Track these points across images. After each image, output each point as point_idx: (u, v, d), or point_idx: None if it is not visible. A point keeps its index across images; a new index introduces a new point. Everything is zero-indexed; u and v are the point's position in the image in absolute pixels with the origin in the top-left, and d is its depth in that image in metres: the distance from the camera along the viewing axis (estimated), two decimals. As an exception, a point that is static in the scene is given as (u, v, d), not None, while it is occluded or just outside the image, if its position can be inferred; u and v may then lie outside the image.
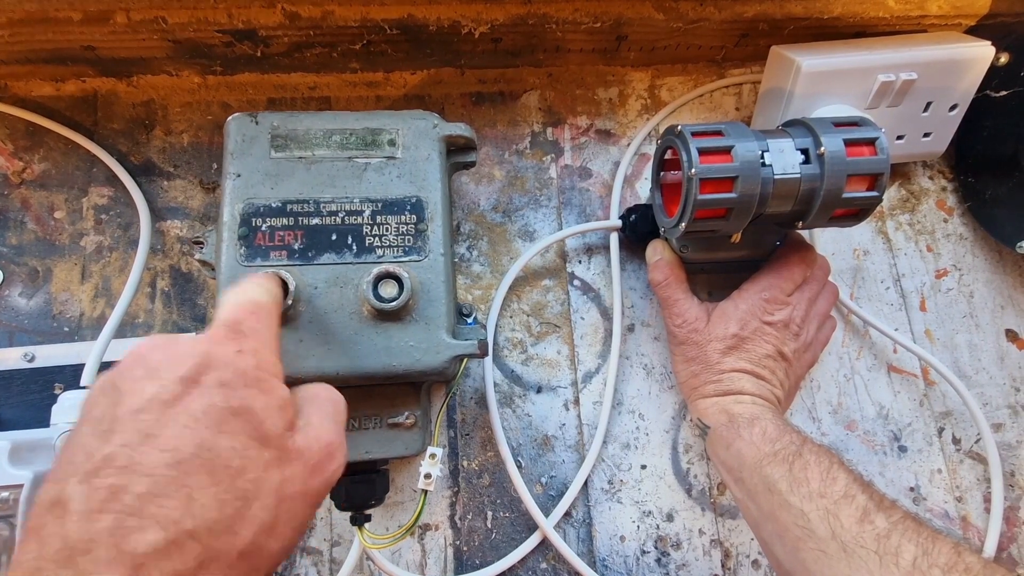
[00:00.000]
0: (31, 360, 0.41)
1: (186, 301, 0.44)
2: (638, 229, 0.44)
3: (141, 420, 0.19)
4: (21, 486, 0.32)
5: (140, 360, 0.21)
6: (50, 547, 0.17)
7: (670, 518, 0.42)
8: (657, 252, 0.42)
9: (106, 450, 0.18)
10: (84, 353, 0.38)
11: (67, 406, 0.36)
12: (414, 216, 0.34)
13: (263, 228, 0.33)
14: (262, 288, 0.26)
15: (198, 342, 0.22)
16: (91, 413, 0.20)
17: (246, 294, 0.25)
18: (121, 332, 0.42)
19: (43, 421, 0.36)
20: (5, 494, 0.32)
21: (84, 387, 0.37)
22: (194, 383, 0.20)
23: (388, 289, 0.32)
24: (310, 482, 0.22)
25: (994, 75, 0.44)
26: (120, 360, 0.21)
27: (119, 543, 0.17)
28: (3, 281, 0.43)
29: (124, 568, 0.16)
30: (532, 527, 0.41)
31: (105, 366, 0.39)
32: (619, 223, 0.45)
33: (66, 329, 0.43)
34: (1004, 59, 0.44)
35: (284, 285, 0.30)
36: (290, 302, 0.30)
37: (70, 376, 0.40)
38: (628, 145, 0.49)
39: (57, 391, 0.40)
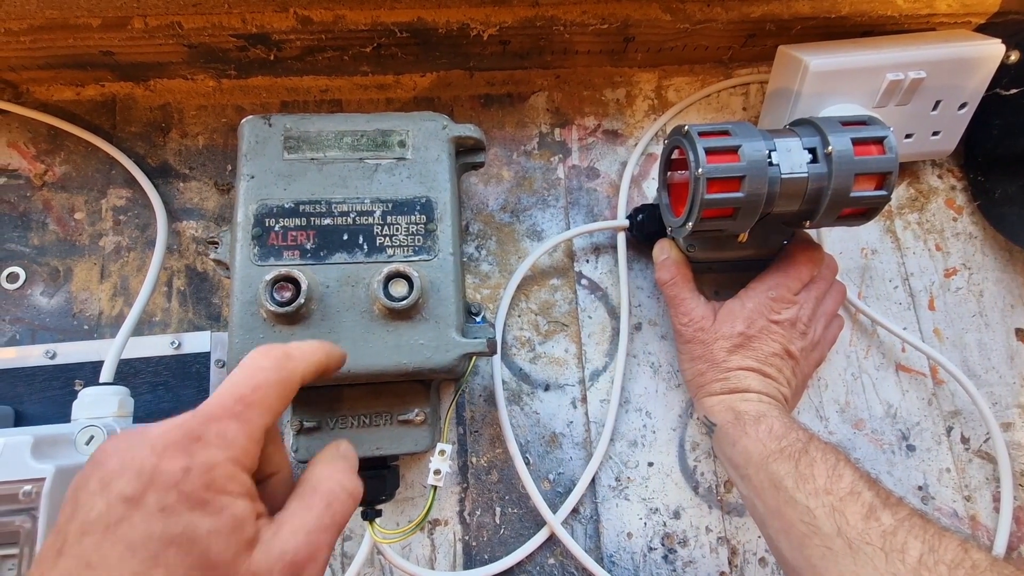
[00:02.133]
0: (52, 357, 0.42)
1: (201, 300, 0.45)
2: (645, 228, 0.44)
3: (84, 545, 0.18)
4: (43, 480, 0.33)
5: (97, 467, 0.20)
6: None
7: (677, 515, 0.42)
8: (664, 251, 0.42)
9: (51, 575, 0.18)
10: (103, 350, 0.39)
11: (87, 402, 0.36)
12: (424, 216, 0.35)
13: (276, 228, 0.34)
14: (264, 371, 0.23)
15: (153, 449, 0.20)
16: (58, 520, 0.19)
17: (247, 377, 0.22)
18: (139, 330, 0.43)
19: (64, 416, 0.37)
20: (28, 487, 0.32)
21: (104, 383, 0.38)
22: (136, 505, 0.19)
23: (398, 288, 0.32)
24: None
25: (1004, 73, 0.44)
26: (87, 461, 0.20)
27: None
28: (25, 280, 0.44)
29: None
30: (540, 523, 0.41)
31: (123, 363, 0.40)
32: (626, 223, 0.45)
33: (86, 327, 0.44)
34: (1014, 57, 0.44)
35: (325, 361, 0.26)
36: (303, 300, 0.31)
37: (90, 373, 0.42)
38: (635, 145, 0.49)
39: (77, 387, 0.41)
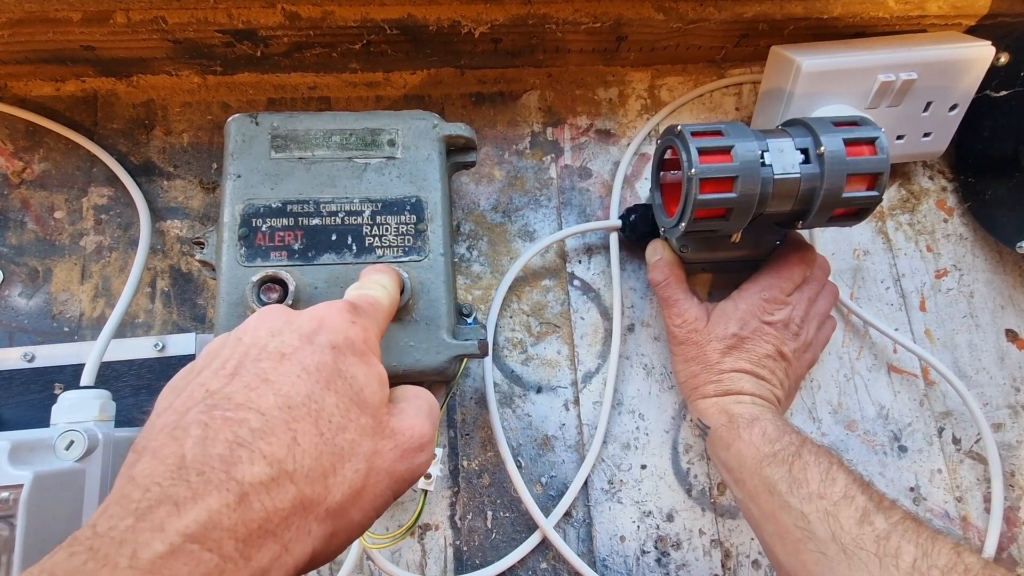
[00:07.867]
0: (31, 360, 0.41)
1: (186, 301, 0.44)
2: (638, 229, 0.44)
3: (262, 366, 0.21)
4: (21, 486, 0.32)
5: (264, 320, 0.23)
6: (167, 464, 0.17)
7: (670, 518, 0.42)
8: (657, 252, 0.42)
9: (227, 390, 0.20)
10: (84, 353, 0.38)
11: (67, 406, 0.35)
12: (414, 216, 0.34)
13: (263, 228, 0.33)
14: (384, 290, 0.28)
15: (318, 308, 0.24)
16: (214, 360, 0.22)
17: (367, 290, 0.28)
18: (121, 332, 0.42)
19: (43, 421, 0.36)
20: (5, 494, 0.31)
21: (84, 387, 0.37)
22: (309, 341, 0.22)
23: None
24: (397, 465, 0.22)
25: (994, 75, 0.44)
26: (246, 321, 0.23)
27: (229, 470, 0.17)
28: (3, 281, 0.43)
29: (232, 494, 0.17)
30: (532, 527, 0.41)
31: (105, 366, 0.39)
32: (619, 223, 0.45)
33: (66, 329, 0.43)
34: (1004, 59, 0.44)
35: (403, 284, 0.31)
36: (290, 302, 0.30)
37: (70, 376, 0.40)
38: (628, 145, 0.49)
39: (57, 391, 0.40)
